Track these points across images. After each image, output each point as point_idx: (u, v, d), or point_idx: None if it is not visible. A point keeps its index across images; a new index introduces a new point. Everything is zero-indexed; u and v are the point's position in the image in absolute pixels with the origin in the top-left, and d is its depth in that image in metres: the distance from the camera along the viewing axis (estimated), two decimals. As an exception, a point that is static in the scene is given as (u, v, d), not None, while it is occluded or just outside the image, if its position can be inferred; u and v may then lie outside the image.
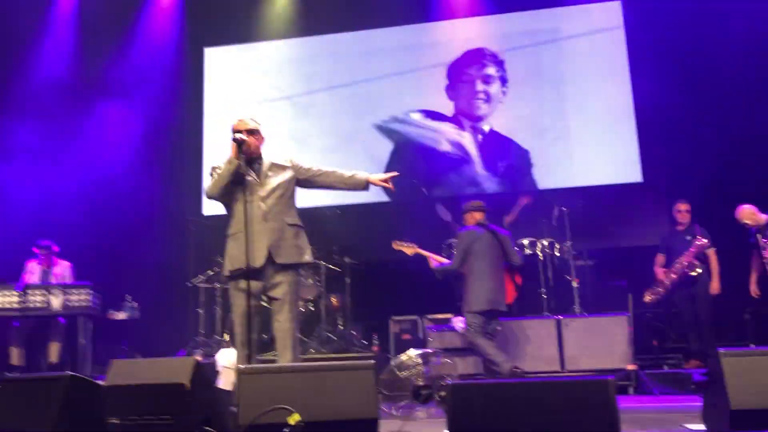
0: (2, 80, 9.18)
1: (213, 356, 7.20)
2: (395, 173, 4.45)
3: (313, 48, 9.94)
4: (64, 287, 7.02)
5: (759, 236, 6.78)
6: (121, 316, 8.19)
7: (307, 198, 9.40)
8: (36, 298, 6.88)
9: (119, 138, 9.32)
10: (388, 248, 8.78)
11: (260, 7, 9.68)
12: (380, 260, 8.48)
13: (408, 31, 9.70)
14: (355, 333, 7.80)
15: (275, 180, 4.36)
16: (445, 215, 8.00)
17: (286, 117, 9.75)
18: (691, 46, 8.50)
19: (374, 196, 9.23)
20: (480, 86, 9.32)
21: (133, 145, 9.29)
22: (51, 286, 7.06)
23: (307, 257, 4.41)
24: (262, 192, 4.30)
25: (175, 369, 3.39)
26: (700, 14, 8.43)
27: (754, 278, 6.96)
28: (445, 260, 6.58)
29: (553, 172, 8.95)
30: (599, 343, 6.53)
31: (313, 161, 4.62)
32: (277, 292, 4.27)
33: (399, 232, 8.82)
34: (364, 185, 4.45)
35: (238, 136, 4.23)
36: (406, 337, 7.40)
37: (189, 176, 9.78)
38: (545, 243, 7.40)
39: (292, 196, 4.45)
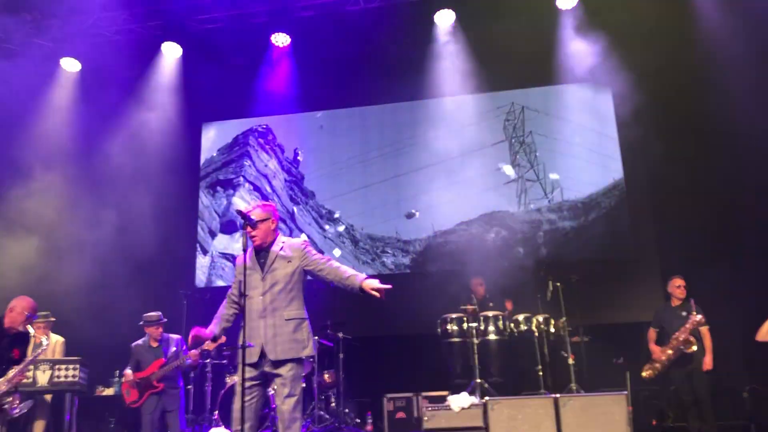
0: (7, 147, 9.21)
1: (203, 435, 7.05)
2: (389, 286, 4.33)
3: (310, 122, 10.18)
4: (52, 362, 6.88)
5: None
6: (108, 392, 7.99)
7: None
8: (22, 373, 6.70)
9: (114, 209, 9.30)
10: (382, 323, 8.74)
11: (255, 85, 9.89)
12: (375, 335, 8.42)
13: (403, 108, 9.95)
14: (348, 411, 7.63)
15: (277, 274, 4.36)
16: None
17: (281, 189, 9.88)
18: (679, 122, 8.73)
19: (369, 269, 9.37)
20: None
21: (128, 217, 9.27)
22: (38, 361, 6.89)
23: (307, 351, 4.33)
24: (263, 287, 4.32)
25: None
26: (686, 90, 8.68)
27: None
28: None
29: (548, 247, 9.02)
30: (598, 423, 6.37)
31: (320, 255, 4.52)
32: (275, 383, 4.28)
33: (393, 305, 8.82)
34: (358, 289, 4.31)
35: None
36: (401, 415, 7.22)
37: (183, 248, 9.75)
38: (540, 319, 7.36)
39: (294, 289, 4.38)
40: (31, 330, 5.57)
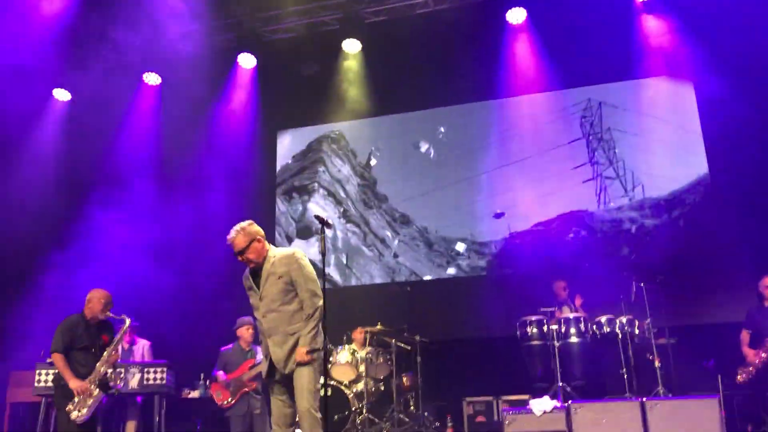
0: (93, 159, 9.64)
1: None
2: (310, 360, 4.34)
3: (382, 127, 10.24)
4: (142, 365, 7.15)
5: None
6: (194, 394, 8.23)
7: (376, 275, 9.49)
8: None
9: (195, 216, 9.60)
10: (459, 326, 8.69)
11: (328, 91, 10.01)
12: (452, 338, 8.36)
13: (476, 108, 9.86)
14: (427, 414, 7.60)
15: (270, 292, 4.38)
16: None
17: (355, 194, 9.97)
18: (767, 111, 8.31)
19: (444, 272, 9.33)
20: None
21: (209, 224, 9.53)
22: (129, 364, 7.20)
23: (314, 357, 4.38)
24: (263, 308, 4.41)
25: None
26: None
27: None
28: None
29: (630, 247, 8.76)
30: (689, 429, 6.13)
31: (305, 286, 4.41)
32: (294, 386, 4.38)
33: (469, 308, 8.76)
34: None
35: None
36: (481, 419, 7.15)
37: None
38: (624, 320, 7.14)
39: (292, 301, 4.37)
40: (110, 314, 5.94)
